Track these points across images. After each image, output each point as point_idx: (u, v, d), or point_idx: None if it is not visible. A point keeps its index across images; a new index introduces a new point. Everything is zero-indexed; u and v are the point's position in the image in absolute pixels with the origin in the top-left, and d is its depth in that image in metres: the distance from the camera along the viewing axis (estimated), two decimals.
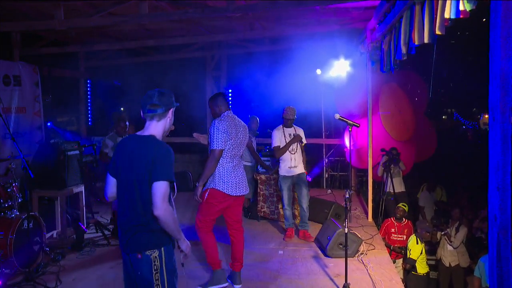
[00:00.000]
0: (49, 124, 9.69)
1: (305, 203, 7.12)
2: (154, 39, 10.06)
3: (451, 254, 8.39)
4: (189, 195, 10.52)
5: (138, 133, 3.23)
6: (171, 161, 3.08)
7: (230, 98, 11.86)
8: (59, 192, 6.93)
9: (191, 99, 11.82)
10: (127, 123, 7.12)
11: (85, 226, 7.19)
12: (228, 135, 4.89)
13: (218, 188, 4.99)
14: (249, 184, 8.75)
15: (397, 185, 9.09)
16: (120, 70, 12.10)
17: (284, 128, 7.15)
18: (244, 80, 11.82)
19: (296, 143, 7.12)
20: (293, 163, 7.09)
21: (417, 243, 7.49)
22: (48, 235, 6.65)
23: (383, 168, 9.13)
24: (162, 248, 3.11)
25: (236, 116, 5.17)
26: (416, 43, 4.85)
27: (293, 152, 7.09)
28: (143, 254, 3.07)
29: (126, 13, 7.55)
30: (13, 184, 5.90)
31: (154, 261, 3.07)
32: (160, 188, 2.97)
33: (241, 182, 5.13)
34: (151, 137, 3.16)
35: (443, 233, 8.42)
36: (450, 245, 8.33)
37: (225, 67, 12.10)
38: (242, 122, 5.21)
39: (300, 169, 7.15)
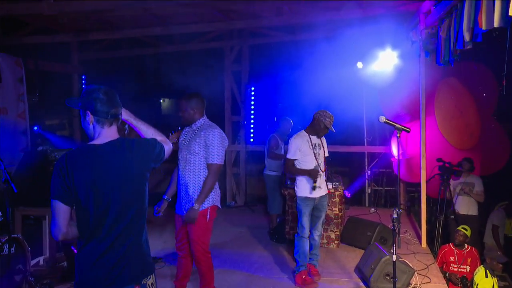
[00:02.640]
0: (35, 128, 9.76)
1: (319, 231, 6.80)
2: (161, 26, 10.09)
3: None
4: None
5: (95, 142, 3.12)
6: None
7: (252, 98, 11.83)
8: (48, 210, 6.84)
9: (206, 98, 11.81)
10: (126, 126, 7.09)
11: None
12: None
13: (217, 204, 5.38)
14: (275, 199, 8.81)
15: (463, 206, 8.88)
16: (121, 64, 12.18)
17: (310, 136, 6.62)
18: (269, 76, 11.77)
19: (323, 156, 6.71)
20: (317, 182, 6.58)
21: (487, 277, 7.24)
22: (33, 261, 6.66)
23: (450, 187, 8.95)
24: (154, 272, 3.22)
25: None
26: (484, 28, 4.75)
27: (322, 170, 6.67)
28: (141, 285, 3.09)
29: None
30: None
31: None
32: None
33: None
34: (124, 139, 3.18)
35: None
36: None
37: (247, 60, 12.11)
38: None
39: (324, 190, 6.72)
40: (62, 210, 2.98)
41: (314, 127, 6.55)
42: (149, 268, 3.16)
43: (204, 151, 5.15)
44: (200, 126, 5.24)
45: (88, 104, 3.08)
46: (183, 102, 5.28)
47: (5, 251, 5.65)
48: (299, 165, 6.53)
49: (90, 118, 3.09)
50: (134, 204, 3.08)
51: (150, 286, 3.12)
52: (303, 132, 6.62)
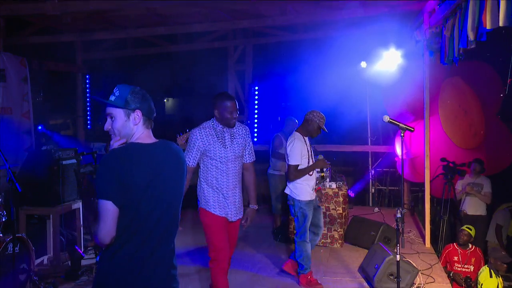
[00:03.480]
0: (40, 127, 9.77)
1: (323, 228, 6.82)
2: (165, 26, 10.10)
3: None
4: None
5: (142, 141, 3.02)
6: None
7: (256, 97, 11.84)
8: (51, 209, 6.93)
9: (210, 98, 11.82)
10: None
11: (82, 250, 7.19)
12: None
13: None
14: (279, 199, 8.79)
15: (471, 206, 8.87)
16: (125, 64, 12.20)
17: (304, 137, 6.47)
18: (273, 76, 11.80)
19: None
20: (314, 183, 6.54)
21: (491, 277, 7.20)
22: (37, 261, 6.66)
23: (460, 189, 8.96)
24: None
25: None
26: (488, 27, 4.72)
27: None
28: None
29: None
30: None
31: None
32: None
33: None
34: (167, 141, 3.15)
35: None
36: None
37: (251, 59, 12.10)
38: None
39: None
40: (113, 212, 2.81)
41: (307, 128, 6.41)
42: (176, 280, 3.08)
43: (243, 151, 5.14)
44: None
45: (140, 103, 3.01)
46: (236, 104, 5.08)
47: (10, 250, 5.66)
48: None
49: (140, 117, 3.00)
50: (174, 209, 3.05)
51: None
52: (298, 134, 6.42)
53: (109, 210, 2.79)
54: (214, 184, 5.00)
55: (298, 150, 6.24)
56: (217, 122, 5.04)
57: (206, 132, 4.98)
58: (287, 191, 6.46)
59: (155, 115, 3.11)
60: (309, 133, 6.43)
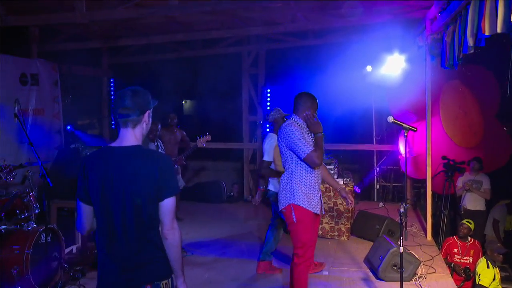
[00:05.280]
0: (68, 127, 9.85)
1: None
2: (184, 33, 10.14)
3: None
4: (222, 206, 10.58)
5: (114, 144, 2.93)
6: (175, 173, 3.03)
7: (268, 99, 11.85)
8: None
9: (225, 99, 11.88)
10: (159, 126, 7.15)
11: None
12: None
13: None
14: None
15: (471, 201, 8.85)
16: (147, 68, 12.27)
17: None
18: (284, 79, 11.79)
19: None
20: None
21: (488, 267, 7.19)
22: (67, 250, 6.73)
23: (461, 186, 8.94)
24: (172, 277, 2.97)
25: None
26: (487, 33, 4.70)
27: None
28: (154, 284, 2.87)
29: (153, 4, 7.63)
30: (30, 194, 6.00)
31: None
32: (173, 205, 2.88)
33: None
34: (141, 148, 2.93)
35: None
36: None
37: (263, 64, 12.11)
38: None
39: None
40: (84, 209, 2.91)
41: (274, 126, 6.54)
42: (165, 272, 2.93)
43: None
44: None
45: (114, 105, 2.95)
46: None
47: (43, 240, 5.74)
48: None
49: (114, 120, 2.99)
50: (140, 215, 2.83)
51: (164, 285, 2.90)
52: (274, 135, 6.37)
53: (79, 207, 2.93)
54: (308, 179, 4.80)
55: (271, 148, 6.30)
56: (299, 119, 4.90)
57: (299, 127, 4.80)
58: (271, 187, 6.39)
59: (114, 118, 2.90)
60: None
